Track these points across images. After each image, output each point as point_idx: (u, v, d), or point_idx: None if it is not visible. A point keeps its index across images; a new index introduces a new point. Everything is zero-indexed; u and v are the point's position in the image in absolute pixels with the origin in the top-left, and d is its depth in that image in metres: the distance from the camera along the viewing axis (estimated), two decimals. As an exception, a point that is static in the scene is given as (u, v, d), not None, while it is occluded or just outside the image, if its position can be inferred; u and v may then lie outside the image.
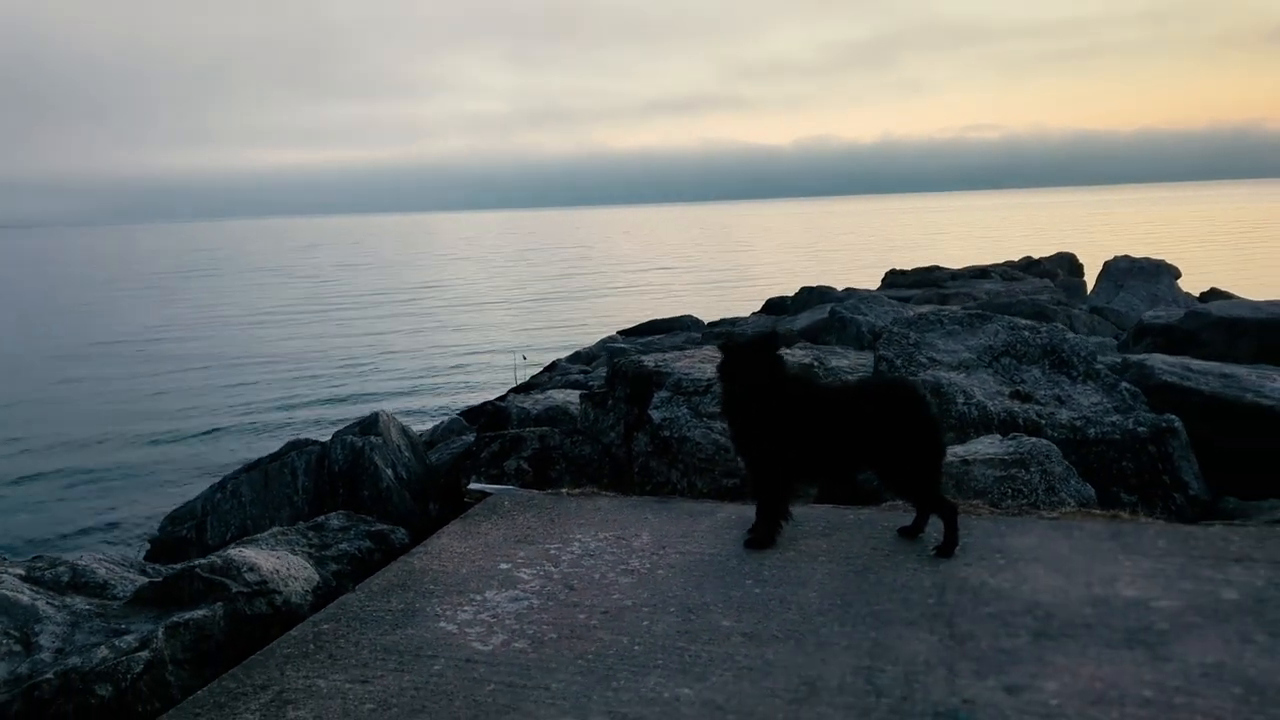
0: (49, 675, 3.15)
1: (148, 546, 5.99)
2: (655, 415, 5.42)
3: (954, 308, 6.74)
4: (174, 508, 6.57)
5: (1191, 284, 17.91)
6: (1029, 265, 23.19)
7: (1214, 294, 16.25)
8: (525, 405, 6.94)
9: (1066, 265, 23.43)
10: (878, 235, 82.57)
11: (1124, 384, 5.81)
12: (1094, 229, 71.39)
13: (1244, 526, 4.09)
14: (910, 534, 4.03)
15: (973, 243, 57.92)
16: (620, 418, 5.82)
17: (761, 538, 4.01)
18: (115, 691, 3.15)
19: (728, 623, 3.29)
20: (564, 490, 4.95)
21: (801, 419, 3.87)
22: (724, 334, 13.68)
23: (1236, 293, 15.84)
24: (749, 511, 4.37)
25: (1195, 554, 3.71)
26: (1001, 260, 25.20)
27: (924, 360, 6.03)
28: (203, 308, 35.25)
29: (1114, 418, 5.45)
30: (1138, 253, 18.43)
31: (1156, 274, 16.34)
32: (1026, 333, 6.27)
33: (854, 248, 62.82)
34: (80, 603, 3.77)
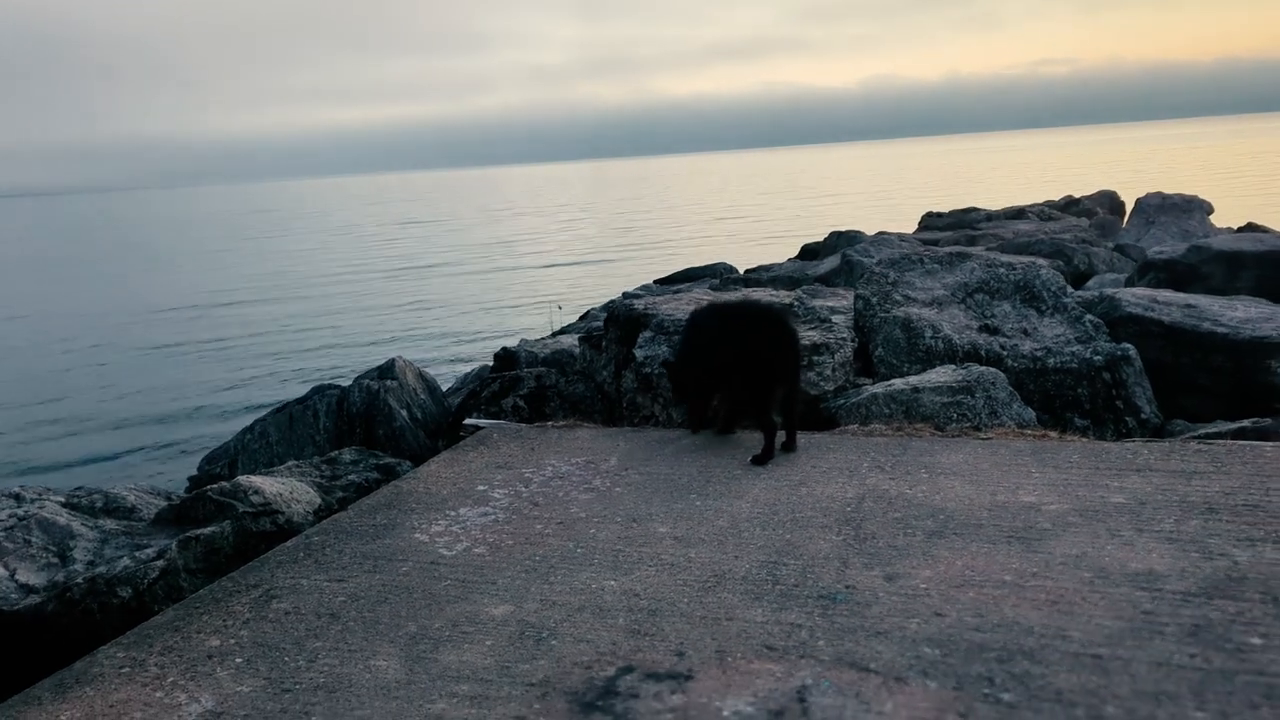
0: (79, 580, 3.71)
1: (187, 483, 6.59)
2: (639, 354, 5.84)
3: (944, 250, 7.01)
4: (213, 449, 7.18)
5: (1230, 218, 17.68)
6: (1069, 204, 23.01)
7: (1249, 228, 16.08)
8: (534, 349, 7.39)
9: (1107, 203, 23.20)
10: (932, 177, 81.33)
11: (1088, 316, 6.08)
12: (1153, 165, 69.51)
13: (1159, 442, 4.40)
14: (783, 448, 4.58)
15: (1024, 182, 56.90)
16: (612, 358, 6.24)
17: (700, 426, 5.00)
18: (134, 593, 3.69)
19: (664, 529, 3.72)
20: (549, 424, 5.41)
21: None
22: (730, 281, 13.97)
23: (1276, 226, 15.65)
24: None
25: (1102, 466, 4.05)
26: (1044, 200, 25.01)
27: (899, 298, 6.35)
28: (265, 270, 36.26)
29: (1074, 348, 5.74)
30: (1191, 188, 18.18)
31: (1188, 210, 16.20)
32: (1002, 270, 6.54)
33: (904, 190, 62.08)
34: (110, 524, 4.34)
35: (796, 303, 6.27)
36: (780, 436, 4.57)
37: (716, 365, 4.62)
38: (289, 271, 34.42)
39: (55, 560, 4.00)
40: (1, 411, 14.50)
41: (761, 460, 4.42)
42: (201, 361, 17.58)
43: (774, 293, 6.94)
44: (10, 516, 4.23)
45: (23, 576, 3.86)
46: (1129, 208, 22.37)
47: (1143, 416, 5.49)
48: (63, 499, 4.62)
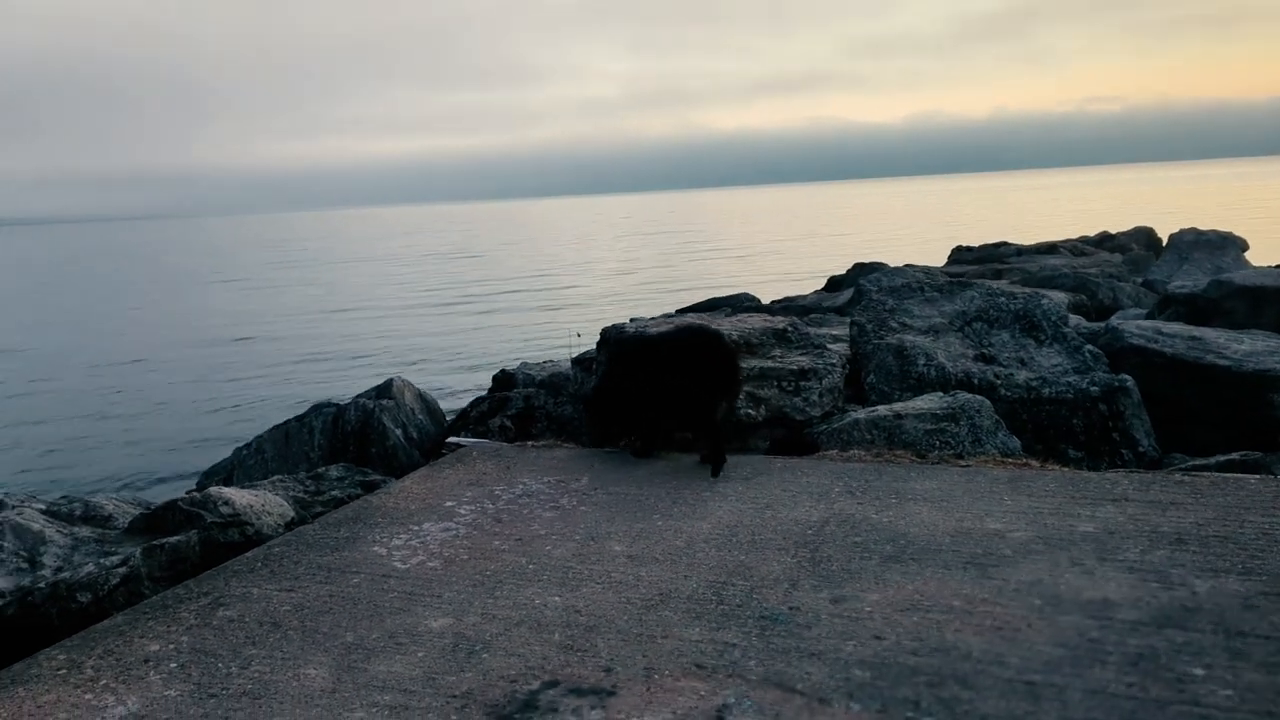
0: (42, 585, 3.73)
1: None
2: (627, 376, 5.80)
3: (941, 278, 6.93)
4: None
5: (1268, 256, 17.35)
6: (1103, 240, 22.74)
7: (1284, 266, 15.76)
8: (531, 371, 7.40)
9: (1143, 239, 22.89)
10: (971, 213, 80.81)
11: (1088, 347, 5.97)
12: (1196, 203, 68.52)
13: (1141, 473, 4.29)
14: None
15: (1063, 219, 56.35)
16: (603, 380, 6.22)
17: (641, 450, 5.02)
18: (94, 598, 3.71)
19: (619, 548, 3.68)
20: (529, 443, 5.39)
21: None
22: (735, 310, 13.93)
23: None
24: (687, 460, 4.79)
25: (1077, 495, 3.95)
26: (1078, 235, 24.72)
27: (895, 325, 6.28)
28: (303, 298, 36.76)
29: (1071, 378, 5.63)
30: (1232, 226, 17.88)
31: (1222, 246, 15.93)
32: (1002, 299, 6.45)
33: (940, 225, 61.72)
34: (85, 531, 4.37)
35: (790, 327, 6.21)
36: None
37: (646, 394, 4.74)
38: (324, 299, 34.88)
39: (25, 565, 4.04)
40: (22, 425, 14.81)
41: (717, 470, 4.56)
42: (231, 382, 17.80)
43: (768, 318, 6.88)
44: (-14, 522, 4.28)
45: (-10, 581, 3.89)
46: (1165, 244, 22.09)
47: (1140, 449, 5.36)
48: (44, 506, 4.67)
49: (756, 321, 6.47)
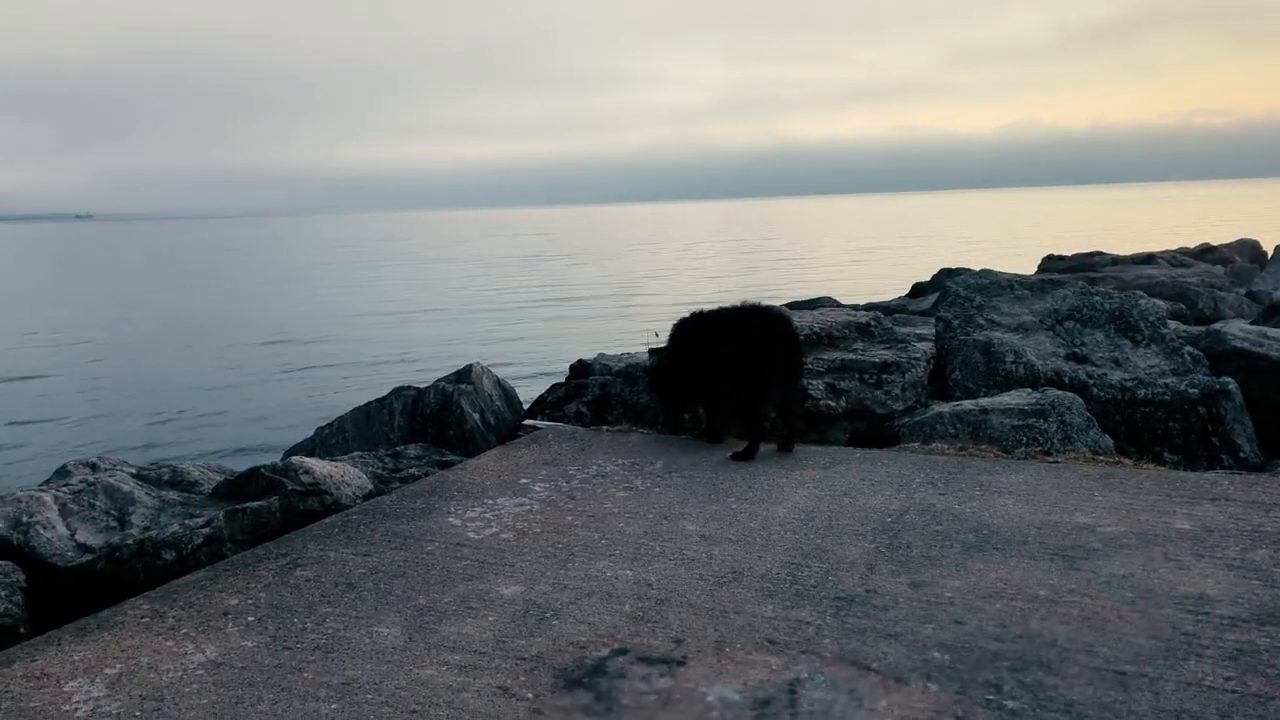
0: (130, 542, 3.84)
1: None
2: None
3: (1032, 278, 6.73)
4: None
5: (1383, 272, 16.46)
6: (1204, 251, 21.88)
7: (1401, 281, 14.96)
8: (608, 362, 7.38)
9: (1247, 252, 21.97)
10: (1064, 224, 78.65)
11: (1187, 348, 5.73)
12: (1309, 219, 65.50)
13: (1243, 474, 4.09)
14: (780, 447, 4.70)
15: (1161, 230, 54.46)
16: (682, 370, 6.17)
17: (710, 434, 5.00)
18: (177, 556, 3.80)
19: (693, 527, 3.64)
20: (605, 428, 5.38)
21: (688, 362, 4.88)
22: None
23: None
24: (768, 448, 4.71)
25: (1174, 494, 3.78)
26: (1177, 247, 23.86)
27: (983, 322, 6.11)
28: (390, 293, 37.51)
29: (1168, 380, 5.41)
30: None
31: (1333, 259, 15.19)
32: (1097, 298, 6.24)
33: (1032, 235, 60.19)
34: (172, 494, 4.49)
35: (873, 322, 6.10)
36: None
37: (704, 369, 4.73)
38: (410, 296, 35.53)
39: (114, 524, 4.16)
40: (124, 396, 15.42)
41: (742, 456, 4.57)
42: (315, 369, 18.22)
43: (850, 312, 6.75)
44: (81, 482, 4.43)
45: (82, 536, 4.02)
46: (1270, 256, 21.16)
47: (1241, 455, 5.12)
48: (134, 470, 4.82)
49: (838, 315, 6.37)
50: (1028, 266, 22.39)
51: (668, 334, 5.09)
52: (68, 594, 3.71)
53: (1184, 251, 22.19)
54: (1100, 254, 21.07)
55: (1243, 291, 13.82)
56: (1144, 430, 5.25)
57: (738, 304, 4.81)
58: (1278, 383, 5.66)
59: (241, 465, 5.36)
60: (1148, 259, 20.00)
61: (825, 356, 5.57)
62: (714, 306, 4.94)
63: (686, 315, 5.00)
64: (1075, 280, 6.61)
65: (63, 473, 5.03)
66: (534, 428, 5.43)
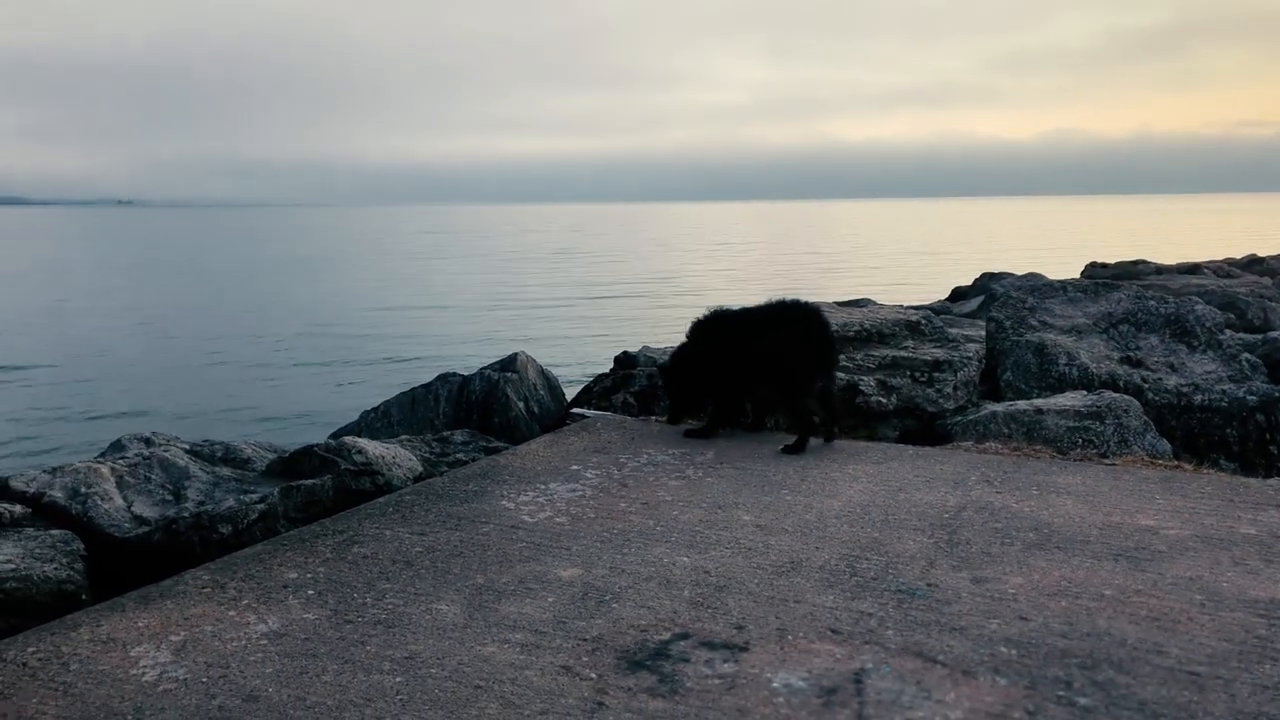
0: (186, 515, 3.88)
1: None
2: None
3: (1087, 281, 6.64)
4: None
5: None
6: (1251, 262, 21.52)
7: None
8: (652, 354, 7.38)
9: (1295, 264, 21.59)
10: (1107, 232, 77.73)
11: (1245, 355, 5.64)
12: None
13: (1308, 481, 4.01)
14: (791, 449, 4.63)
15: (1206, 241, 53.68)
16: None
17: (704, 431, 4.93)
18: (233, 530, 3.84)
19: (748, 517, 3.62)
20: (653, 418, 5.37)
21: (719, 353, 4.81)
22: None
23: None
24: (818, 442, 4.69)
25: (1237, 499, 3.71)
26: (1223, 258, 23.49)
27: (1035, 323, 6.04)
28: (436, 284, 37.74)
29: (1225, 386, 5.32)
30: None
31: (1387, 272, 14.89)
32: (1152, 302, 6.15)
33: (1074, 243, 59.53)
34: (226, 471, 4.54)
35: (924, 320, 6.05)
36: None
37: (739, 365, 4.71)
38: (450, 291, 35.73)
39: (170, 497, 4.21)
40: (172, 377, 15.65)
41: (795, 449, 4.56)
42: (359, 356, 18.37)
43: (900, 309, 6.71)
44: (137, 455, 4.49)
45: (138, 509, 4.07)
46: (1320, 270, 20.77)
47: (1299, 464, 5.03)
48: (187, 446, 4.87)
49: (888, 313, 6.32)
50: (1070, 274, 22.14)
51: (686, 331, 5.06)
52: (124, 564, 3.76)
53: (1230, 262, 21.84)
54: (1145, 262, 20.80)
55: (1292, 303, 13.54)
56: (1200, 436, 5.17)
57: (770, 301, 4.78)
58: (1339, 392, 5.55)
59: (290, 446, 5.42)
60: (1193, 269, 19.71)
61: (876, 353, 5.53)
62: (736, 306, 4.95)
63: (704, 314, 4.98)
64: (1129, 284, 6.52)
65: (117, 446, 5.11)
66: (582, 416, 5.44)
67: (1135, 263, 20.89)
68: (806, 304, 4.79)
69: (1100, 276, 19.53)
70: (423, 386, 7.00)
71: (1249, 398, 5.16)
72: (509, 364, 7.13)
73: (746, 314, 4.85)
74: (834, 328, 5.65)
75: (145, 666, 2.54)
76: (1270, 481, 3.97)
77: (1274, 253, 23.54)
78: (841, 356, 5.53)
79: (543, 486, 4.09)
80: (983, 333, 7.13)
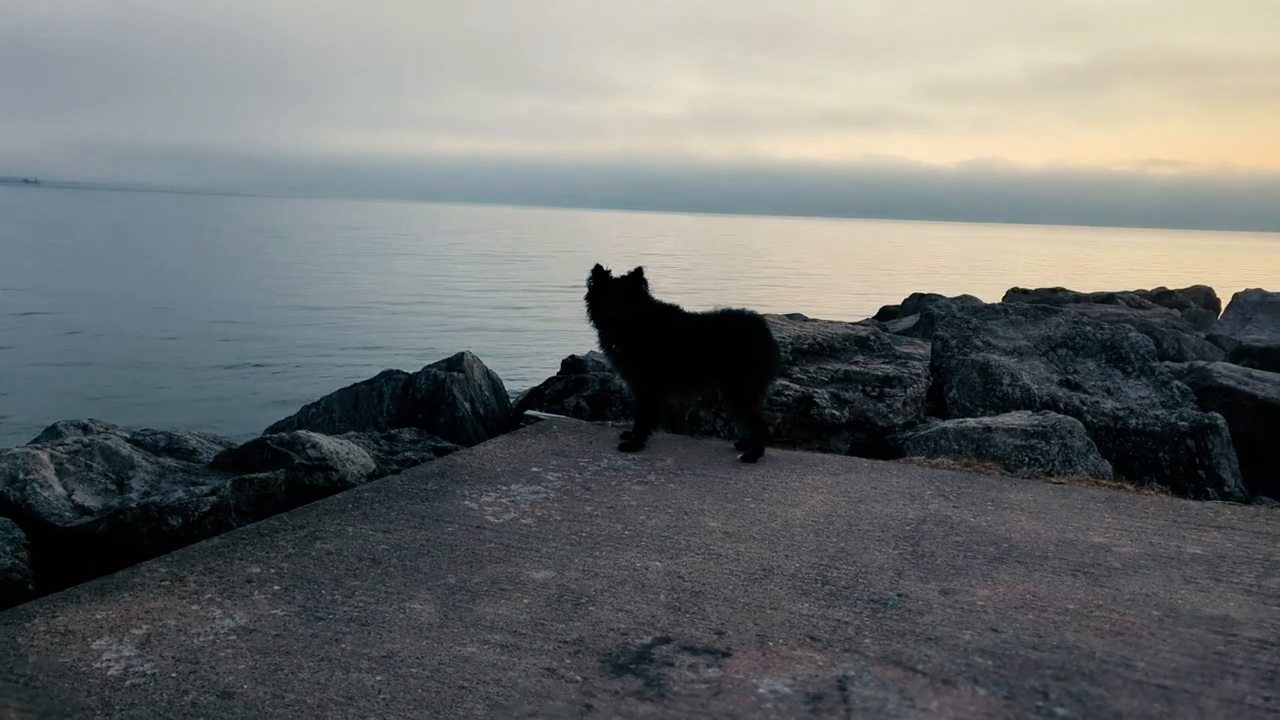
0: (133, 505, 3.74)
1: (248, 452, 6.67)
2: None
3: (1025, 304, 6.84)
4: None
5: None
6: (1160, 295, 22.41)
7: (1353, 335, 15.43)
8: (600, 359, 7.37)
9: (1202, 298, 22.55)
10: (1023, 261, 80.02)
11: (1176, 382, 5.86)
12: (1256, 272, 67.36)
13: (1243, 507, 4.19)
14: (742, 446, 4.73)
15: (1117, 273, 55.70)
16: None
17: (633, 443, 4.78)
18: (184, 523, 3.71)
19: (715, 524, 3.64)
20: (609, 422, 5.36)
21: (665, 342, 4.64)
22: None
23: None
24: (775, 452, 4.74)
25: (1180, 520, 3.86)
26: (1135, 289, 24.41)
27: (979, 344, 6.20)
28: (360, 284, 37.10)
29: (1158, 411, 5.52)
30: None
31: (1289, 309, 15.64)
32: (1089, 328, 6.35)
33: (993, 270, 61.20)
34: (170, 461, 4.39)
35: (872, 336, 6.15)
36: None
37: (694, 364, 4.70)
38: (381, 288, 35.19)
39: (113, 487, 4.06)
40: (93, 367, 15.10)
41: (753, 456, 4.60)
42: (285, 353, 17.95)
43: (849, 325, 6.82)
44: (76, 443, 4.31)
45: (80, 498, 3.91)
46: (1224, 304, 21.73)
47: (1226, 489, 5.24)
48: (127, 435, 4.71)
49: (838, 328, 6.42)
50: (993, 298, 22.75)
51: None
52: (68, 555, 3.61)
53: (1142, 293, 22.70)
54: (1063, 290, 21.49)
55: (1203, 335, 14.16)
56: (1134, 458, 5.36)
57: (723, 309, 4.75)
58: (1262, 421, 5.81)
59: (224, 439, 5.27)
60: (1108, 298, 20.41)
61: (829, 367, 5.61)
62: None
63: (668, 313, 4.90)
64: (1067, 309, 6.73)
65: (54, 432, 4.90)
66: (537, 418, 5.40)
67: (1054, 290, 21.56)
68: (756, 314, 4.83)
69: (1021, 302, 20.13)
70: (365, 383, 6.87)
71: (1180, 423, 5.36)
72: (455, 363, 7.03)
73: (705, 318, 4.82)
74: (786, 340, 5.73)
75: (109, 660, 2.44)
76: (1208, 504, 4.13)
77: (1180, 286, 24.52)
78: (795, 369, 5.61)
79: (504, 488, 4.04)
80: (924, 350, 7.29)
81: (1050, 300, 19.89)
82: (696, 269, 53.66)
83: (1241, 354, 9.04)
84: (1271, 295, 16.13)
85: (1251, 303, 16.23)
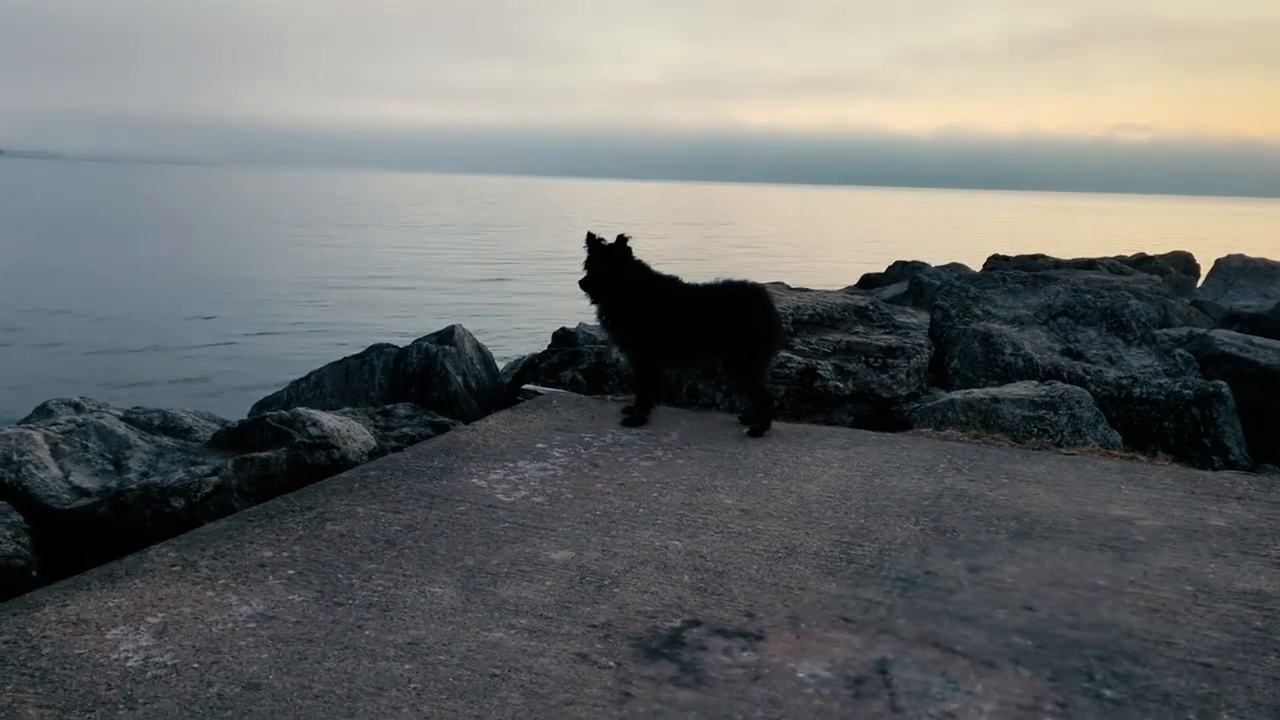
0: (133, 487, 3.63)
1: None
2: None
3: (1022, 272, 6.79)
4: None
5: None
6: (1140, 261, 22.48)
7: (1333, 300, 15.55)
8: (592, 331, 7.26)
9: (1181, 264, 22.63)
10: (1001, 226, 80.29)
11: (1179, 350, 5.84)
12: (1232, 236, 67.93)
13: (1258, 475, 4.17)
14: (747, 420, 4.65)
15: (1095, 239, 55.99)
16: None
17: (636, 417, 4.69)
18: (186, 505, 3.61)
19: (729, 501, 3.57)
20: (609, 396, 5.28)
21: (664, 314, 4.56)
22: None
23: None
24: (780, 426, 4.67)
25: (1198, 491, 3.83)
26: (1114, 255, 24.49)
27: (979, 313, 6.15)
28: (334, 258, 36.68)
29: (1162, 380, 5.50)
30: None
31: (1271, 275, 15.76)
32: (1088, 296, 6.32)
33: (972, 235, 61.36)
34: (167, 440, 4.27)
35: (872, 306, 6.09)
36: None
37: (695, 336, 4.61)
38: (357, 261, 34.83)
39: (110, 468, 3.94)
40: (68, 344, 14.85)
41: (760, 430, 4.53)
42: (269, 327, 17.73)
43: (848, 295, 6.76)
44: (69, 422, 4.19)
45: (77, 479, 3.80)
46: (1204, 270, 21.86)
47: (1231, 457, 5.24)
48: (121, 413, 4.58)
49: (836, 297, 6.35)
50: (974, 265, 22.79)
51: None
52: (68, 539, 3.50)
53: (1122, 259, 22.77)
54: (1043, 256, 21.51)
55: (1188, 301, 14.23)
56: (1139, 428, 5.34)
57: (722, 280, 4.66)
58: (1266, 389, 5.81)
59: (218, 415, 5.15)
60: (1089, 264, 20.45)
61: (830, 338, 5.54)
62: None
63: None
64: (1066, 278, 6.69)
65: (45, 411, 4.77)
66: (535, 392, 5.31)
67: (1034, 256, 21.56)
68: (758, 285, 4.74)
69: (1003, 268, 20.13)
70: (355, 357, 6.73)
71: (1185, 392, 5.35)
72: (446, 336, 6.91)
73: (705, 289, 4.72)
74: (787, 311, 5.66)
75: (126, 651, 2.35)
76: (1223, 474, 4.11)
77: (1160, 252, 24.63)
78: (796, 341, 5.54)
79: (511, 465, 3.96)
80: (919, 320, 7.24)
81: (1031, 267, 19.91)
82: (670, 237, 53.42)
83: (1231, 320, 9.06)
84: (1253, 261, 16.23)
85: (1233, 268, 16.33)
